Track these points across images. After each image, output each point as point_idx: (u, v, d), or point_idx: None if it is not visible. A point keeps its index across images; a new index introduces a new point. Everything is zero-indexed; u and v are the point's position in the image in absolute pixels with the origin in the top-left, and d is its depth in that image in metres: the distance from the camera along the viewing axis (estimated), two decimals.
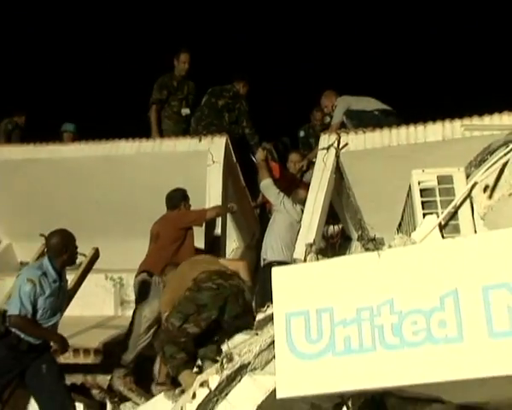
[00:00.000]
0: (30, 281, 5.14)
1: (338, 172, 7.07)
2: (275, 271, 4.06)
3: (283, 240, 6.95)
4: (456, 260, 3.61)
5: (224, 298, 5.30)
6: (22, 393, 5.56)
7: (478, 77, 12.66)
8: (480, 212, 4.35)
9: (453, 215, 4.36)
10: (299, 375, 3.75)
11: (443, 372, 3.49)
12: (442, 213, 4.36)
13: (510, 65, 12.27)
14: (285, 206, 7.15)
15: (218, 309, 5.27)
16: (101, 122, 10.75)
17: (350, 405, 4.11)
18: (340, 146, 7.03)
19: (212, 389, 4.53)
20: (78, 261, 6.20)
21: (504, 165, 4.29)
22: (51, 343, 5.33)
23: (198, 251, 6.50)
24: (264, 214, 8.39)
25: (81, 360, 6.32)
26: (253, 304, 5.76)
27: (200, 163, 7.48)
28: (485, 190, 4.34)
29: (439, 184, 4.54)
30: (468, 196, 4.41)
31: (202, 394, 4.55)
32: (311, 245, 6.28)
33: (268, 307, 4.91)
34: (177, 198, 6.77)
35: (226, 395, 4.53)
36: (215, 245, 7.03)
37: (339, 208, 7.58)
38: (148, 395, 5.79)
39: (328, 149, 7.06)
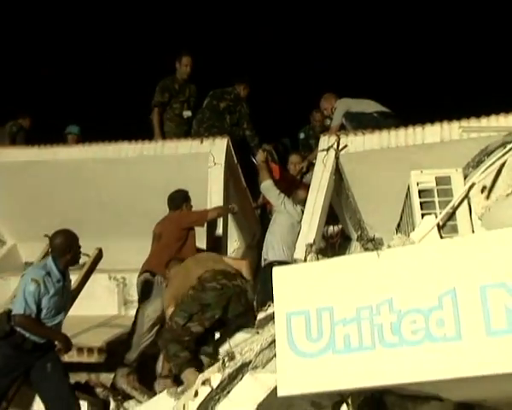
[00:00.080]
0: (34, 281, 5.14)
1: (337, 173, 7.06)
2: (276, 270, 4.06)
3: (284, 240, 6.95)
4: (454, 260, 3.61)
5: (227, 298, 5.34)
6: (27, 391, 5.55)
7: (475, 79, 12.65)
8: (477, 212, 4.35)
9: (451, 216, 4.36)
10: (300, 373, 3.76)
11: (441, 370, 3.49)
12: (440, 213, 4.36)
13: (507, 67, 12.27)
14: (285, 206, 7.14)
15: (221, 309, 5.31)
16: (104, 124, 10.74)
17: (350, 402, 4.11)
18: (340, 148, 7.03)
19: (214, 387, 4.54)
20: (81, 262, 6.20)
21: (502, 166, 4.29)
22: (55, 343, 5.34)
23: (200, 251, 6.51)
24: (264, 215, 8.38)
25: (85, 358, 6.32)
26: (255, 303, 5.75)
27: (201, 165, 7.48)
28: (482, 190, 4.34)
29: (437, 184, 4.53)
30: (466, 196, 4.41)
31: (204, 392, 4.55)
32: (311, 245, 6.29)
33: (269, 306, 4.92)
34: (179, 199, 6.78)
35: (228, 392, 4.53)
36: (216, 245, 7.03)
37: (338, 209, 7.57)
38: (151, 393, 5.79)
39: (327, 150, 7.06)
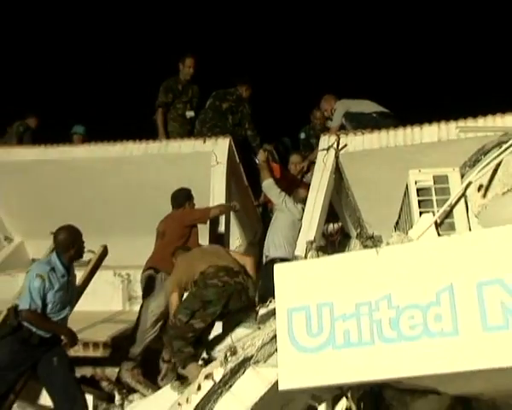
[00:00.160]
0: (39, 276, 5.15)
1: (337, 172, 7.06)
2: (277, 267, 4.07)
3: (285, 237, 6.95)
4: (451, 257, 3.62)
5: (227, 295, 5.39)
6: (34, 385, 5.57)
7: (472, 80, 12.65)
8: (474, 210, 4.36)
9: (448, 214, 4.37)
10: (301, 368, 3.76)
11: (439, 365, 3.49)
12: (438, 211, 4.36)
13: (503, 68, 12.26)
14: (286, 205, 7.15)
15: (222, 305, 5.36)
16: (109, 124, 10.75)
17: (349, 396, 4.12)
18: (340, 147, 7.03)
19: (217, 381, 4.55)
20: (87, 258, 6.22)
21: (498, 165, 4.29)
22: (62, 337, 5.35)
23: None
24: (266, 213, 8.39)
25: (91, 353, 6.33)
26: (256, 299, 5.76)
27: (204, 164, 7.49)
28: (479, 189, 4.34)
29: (434, 183, 4.54)
30: (463, 195, 4.41)
31: (207, 386, 4.56)
32: (311, 242, 6.29)
33: (270, 302, 4.92)
34: (182, 197, 6.78)
35: (230, 386, 4.54)
36: (219, 242, 7.01)
37: (338, 207, 7.57)
38: (155, 386, 5.80)
39: (327, 150, 7.06)
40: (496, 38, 12.99)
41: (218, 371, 4.58)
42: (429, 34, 13.66)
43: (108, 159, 7.97)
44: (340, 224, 7.83)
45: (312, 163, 7.83)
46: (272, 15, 14.29)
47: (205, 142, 7.78)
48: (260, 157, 7.83)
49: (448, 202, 4.37)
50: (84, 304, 6.14)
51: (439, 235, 4.25)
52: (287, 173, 8.54)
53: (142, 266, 6.52)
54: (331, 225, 7.74)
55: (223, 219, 7.13)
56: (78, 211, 7.56)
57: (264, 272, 6.50)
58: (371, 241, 6.60)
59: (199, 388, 4.58)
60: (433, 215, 4.35)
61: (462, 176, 4.53)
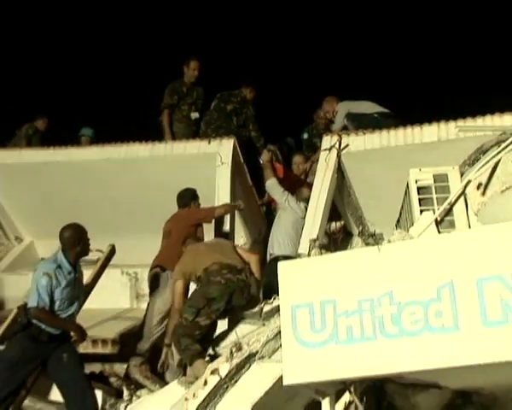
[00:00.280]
0: (46, 274, 5.15)
1: (339, 171, 7.06)
2: (281, 265, 4.07)
3: (289, 236, 6.96)
4: (451, 254, 3.61)
5: (230, 292, 5.43)
6: (45, 381, 5.58)
7: (471, 80, 12.62)
8: (473, 208, 4.35)
9: (448, 211, 4.37)
10: (305, 363, 3.77)
11: (440, 360, 3.49)
12: (438, 209, 4.36)
13: (502, 68, 12.23)
14: (290, 203, 7.15)
15: (225, 302, 5.41)
16: (116, 126, 10.76)
17: (352, 390, 4.12)
18: (342, 147, 7.02)
19: (223, 376, 4.55)
20: (95, 258, 6.22)
21: (496, 164, 4.29)
22: (71, 334, 5.35)
23: None
24: (269, 212, 8.39)
25: (99, 350, 6.35)
26: (261, 296, 5.77)
27: (209, 164, 7.49)
28: (478, 187, 4.34)
29: (435, 182, 4.54)
30: (463, 193, 4.41)
31: (213, 381, 4.57)
32: (314, 240, 6.27)
33: (274, 299, 4.93)
34: (188, 197, 6.80)
35: (236, 382, 4.55)
36: None
37: (340, 206, 7.57)
38: (163, 382, 5.80)
39: (330, 149, 7.06)
40: (495, 38, 12.96)
41: (224, 367, 4.58)
42: (429, 34, 13.63)
43: (115, 160, 7.98)
44: (342, 222, 7.82)
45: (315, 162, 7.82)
46: (275, 18, 14.28)
47: (210, 143, 7.78)
48: (264, 157, 7.83)
49: (448, 201, 4.38)
50: (92, 302, 6.15)
51: (439, 232, 4.26)
52: (290, 173, 8.55)
53: (149, 264, 6.54)
54: (333, 224, 7.73)
55: (228, 218, 7.14)
56: (86, 211, 7.56)
57: (269, 269, 6.51)
58: (373, 239, 6.57)
59: (205, 383, 4.58)
60: (434, 213, 4.35)
61: (462, 175, 4.53)
